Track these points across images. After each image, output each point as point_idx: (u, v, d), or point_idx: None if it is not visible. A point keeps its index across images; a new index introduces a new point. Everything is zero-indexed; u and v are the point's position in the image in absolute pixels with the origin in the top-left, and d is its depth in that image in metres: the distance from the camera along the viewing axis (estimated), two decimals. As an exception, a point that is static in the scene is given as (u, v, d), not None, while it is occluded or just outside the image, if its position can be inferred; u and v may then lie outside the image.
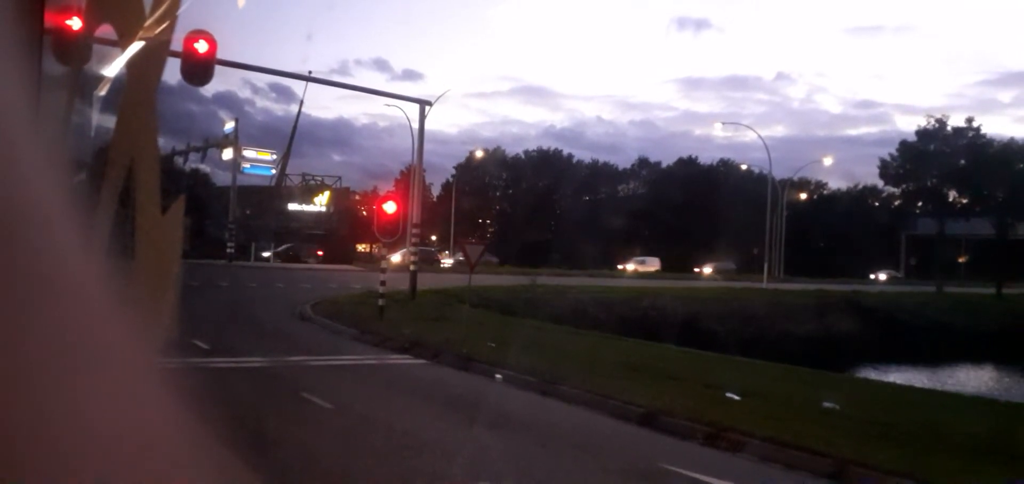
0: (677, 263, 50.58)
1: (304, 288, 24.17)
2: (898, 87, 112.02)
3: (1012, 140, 50.61)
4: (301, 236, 51.07)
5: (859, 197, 68.84)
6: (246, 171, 47.97)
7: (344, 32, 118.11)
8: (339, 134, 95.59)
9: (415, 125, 22.97)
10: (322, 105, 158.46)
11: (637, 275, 45.43)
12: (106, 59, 1.99)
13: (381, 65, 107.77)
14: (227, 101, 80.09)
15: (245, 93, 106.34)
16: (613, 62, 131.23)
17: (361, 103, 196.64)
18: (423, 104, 22.69)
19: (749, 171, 59.17)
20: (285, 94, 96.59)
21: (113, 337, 0.51)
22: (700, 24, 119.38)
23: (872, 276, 52.66)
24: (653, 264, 51.24)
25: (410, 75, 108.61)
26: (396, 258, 29.32)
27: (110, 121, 1.84)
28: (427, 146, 23.28)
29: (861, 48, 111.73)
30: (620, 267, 49.16)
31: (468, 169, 64.68)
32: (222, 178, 50.03)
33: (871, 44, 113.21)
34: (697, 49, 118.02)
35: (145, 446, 0.48)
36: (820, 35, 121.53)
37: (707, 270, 50.56)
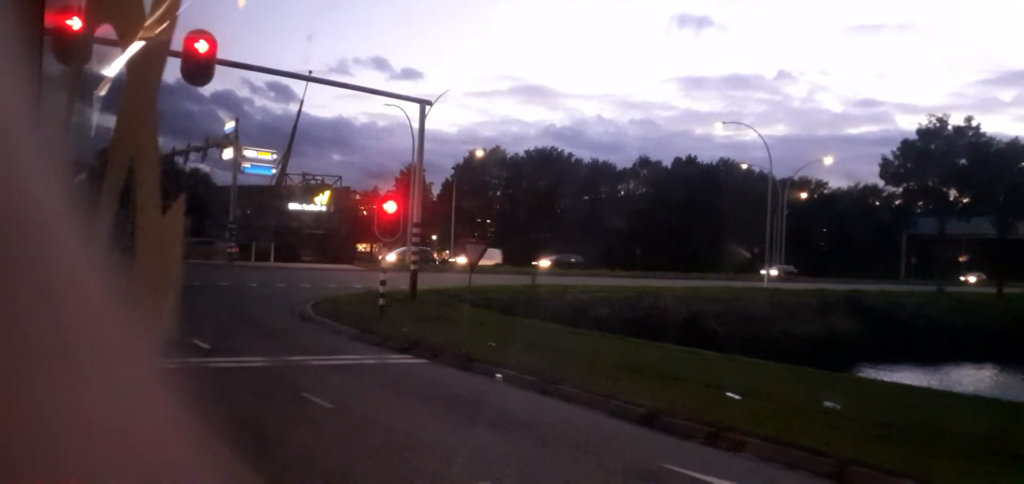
0: (528, 257, 48.54)
1: (304, 288, 24.19)
2: (899, 86, 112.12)
3: (1016, 140, 50.59)
4: (301, 235, 51.07)
5: (860, 197, 68.87)
6: (246, 171, 47.97)
7: (343, 31, 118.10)
8: (338, 133, 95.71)
9: (415, 125, 22.99)
10: (321, 104, 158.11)
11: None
12: (106, 59, 2.00)
13: (380, 64, 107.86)
14: (226, 100, 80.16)
15: (244, 92, 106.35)
16: (613, 61, 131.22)
17: (360, 102, 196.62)
18: (423, 104, 22.71)
19: (750, 170, 59.19)
20: (284, 93, 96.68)
21: (114, 337, 0.51)
22: (701, 22, 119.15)
23: (764, 272, 51.50)
24: (495, 256, 47.68)
25: (409, 74, 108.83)
26: (392, 257, 29.15)
27: (110, 121, 1.84)
28: (427, 145, 23.29)
29: (862, 47, 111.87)
30: (451, 260, 45.75)
31: (468, 169, 64.73)
32: (222, 178, 50.07)
33: (872, 43, 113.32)
34: (698, 47, 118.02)
35: (146, 446, 0.48)
36: (821, 33, 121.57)
37: (545, 264, 48.16)
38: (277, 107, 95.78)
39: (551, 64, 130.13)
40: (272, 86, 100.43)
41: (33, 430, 0.42)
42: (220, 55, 12.32)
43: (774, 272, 50.86)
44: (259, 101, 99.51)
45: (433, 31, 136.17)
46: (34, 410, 0.43)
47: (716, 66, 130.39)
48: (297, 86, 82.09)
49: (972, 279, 50.94)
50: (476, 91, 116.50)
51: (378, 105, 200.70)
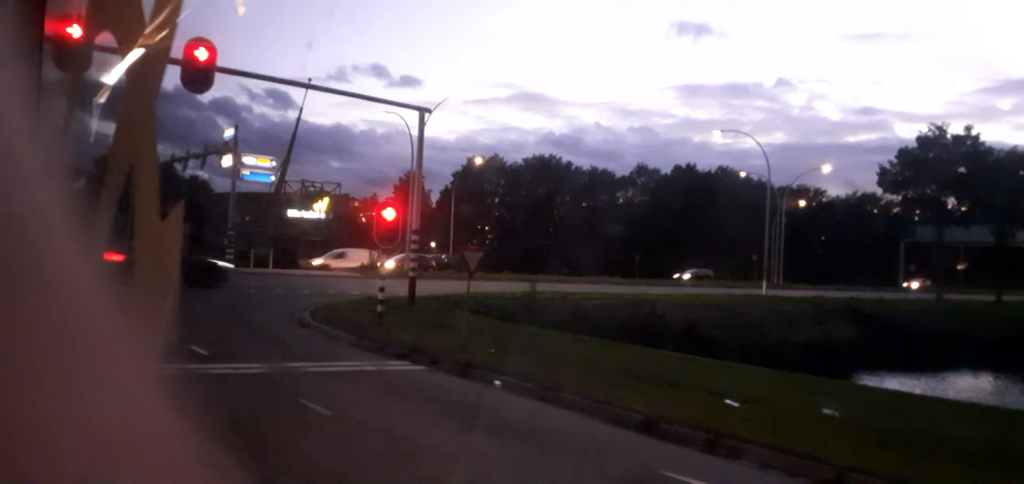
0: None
1: (303, 294, 24.15)
2: (898, 94, 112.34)
3: (1015, 148, 50.72)
4: (300, 242, 51.00)
5: (858, 205, 69.01)
6: (245, 177, 47.95)
7: (342, 38, 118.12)
8: (337, 140, 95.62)
9: (414, 132, 23.04)
10: (319, 111, 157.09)
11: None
12: (106, 66, 2.01)
13: (379, 71, 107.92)
14: (224, 107, 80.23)
15: (242, 99, 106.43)
16: (612, 68, 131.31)
17: (359, 109, 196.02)
18: (423, 112, 22.74)
19: (748, 178, 59.15)
20: (282, 100, 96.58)
21: (112, 343, 0.51)
22: (700, 29, 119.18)
23: (676, 276, 50.59)
24: (356, 259, 44.32)
25: (408, 81, 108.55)
26: (390, 264, 28.95)
27: (110, 128, 1.85)
28: (426, 153, 23.32)
29: (861, 55, 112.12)
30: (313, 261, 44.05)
31: (467, 176, 64.77)
32: (221, 185, 50.02)
33: (871, 51, 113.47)
34: (697, 55, 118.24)
35: (144, 452, 0.49)
36: (820, 41, 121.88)
37: (390, 265, 44.67)
38: (275, 114, 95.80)
39: (550, 72, 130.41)
40: (270, 93, 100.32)
41: (32, 436, 0.43)
42: (219, 63, 12.34)
43: (686, 276, 50.51)
44: (257, 108, 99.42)
45: (432, 38, 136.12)
46: (33, 416, 0.43)
47: (715, 74, 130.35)
48: (296, 94, 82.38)
49: (915, 285, 51.58)
50: (475, 98, 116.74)
51: (377, 112, 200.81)
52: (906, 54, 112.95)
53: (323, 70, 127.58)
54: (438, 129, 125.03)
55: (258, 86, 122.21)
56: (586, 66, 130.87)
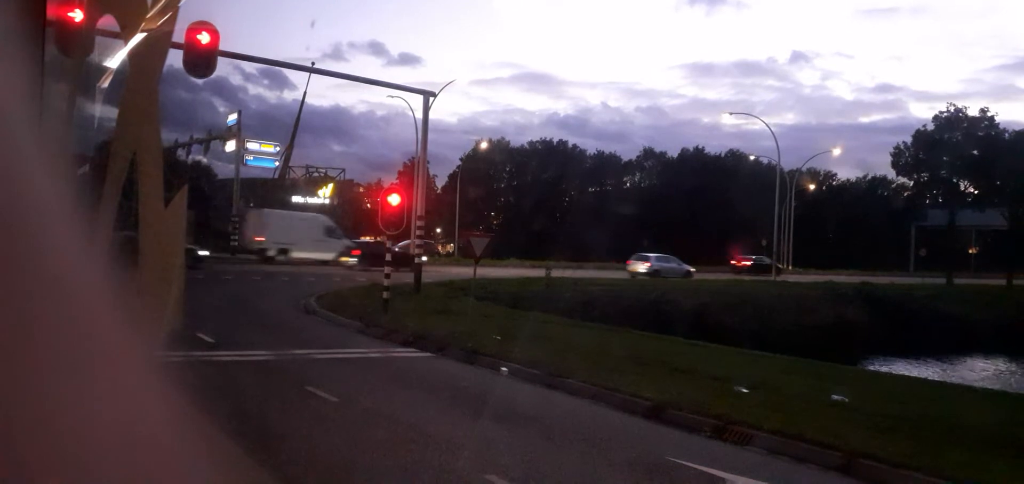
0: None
1: (308, 281, 24.24)
2: (913, 73, 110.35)
3: None
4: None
5: (869, 188, 68.52)
6: (249, 163, 48.03)
7: (338, 15, 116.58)
8: (337, 122, 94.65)
9: (418, 115, 22.93)
10: (318, 93, 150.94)
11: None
12: (108, 51, 1.98)
13: (377, 49, 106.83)
14: (220, 88, 79.26)
15: (237, 80, 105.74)
16: (619, 46, 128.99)
17: (358, 91, 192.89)
18: (427, 95, 22.62)
19: (758, 161, 58.81)
20: (277, 80, 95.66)
21: (118, 330, 0.49)
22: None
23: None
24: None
25: (407, 60, 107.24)
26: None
27: (112, 113, 1.82)
28: (428, 135, 23.15)
29: (877, 30, 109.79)
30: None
31: (472, 160, 64.68)
32: (223, 170, 50.06)
33: (887, 26, 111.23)
34: (709, 29, 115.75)
35: (151, 440, 0.47)
36: (836, 15, 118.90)
37: (204, 252, 34.22)
38: (271, 95, 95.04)
39: (554, 50, 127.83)
40: (265, 73, 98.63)
41: (34, 427, 0.41)
42: (219, 45, 12.24)
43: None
44: (253, 89, 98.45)
45: (432, 15, 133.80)
46: (37, 405, 0.41)
47: (726, 51, 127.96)
48: (293, 73, 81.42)
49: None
50: (477, 79, 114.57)
51: (377, 94, 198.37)
52: (922, 29, 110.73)
53: (319, 49, 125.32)
54: (440, 111, 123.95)
55: (252, 65, 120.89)
56: (592, 44, 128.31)
